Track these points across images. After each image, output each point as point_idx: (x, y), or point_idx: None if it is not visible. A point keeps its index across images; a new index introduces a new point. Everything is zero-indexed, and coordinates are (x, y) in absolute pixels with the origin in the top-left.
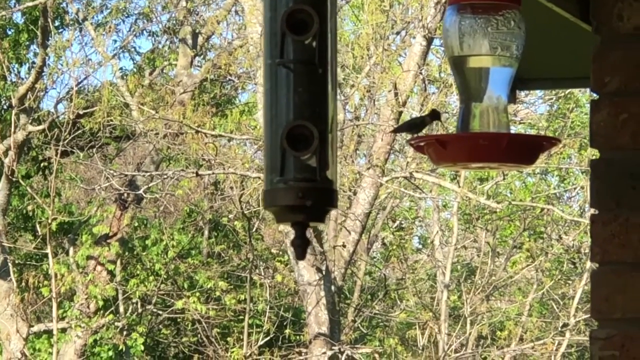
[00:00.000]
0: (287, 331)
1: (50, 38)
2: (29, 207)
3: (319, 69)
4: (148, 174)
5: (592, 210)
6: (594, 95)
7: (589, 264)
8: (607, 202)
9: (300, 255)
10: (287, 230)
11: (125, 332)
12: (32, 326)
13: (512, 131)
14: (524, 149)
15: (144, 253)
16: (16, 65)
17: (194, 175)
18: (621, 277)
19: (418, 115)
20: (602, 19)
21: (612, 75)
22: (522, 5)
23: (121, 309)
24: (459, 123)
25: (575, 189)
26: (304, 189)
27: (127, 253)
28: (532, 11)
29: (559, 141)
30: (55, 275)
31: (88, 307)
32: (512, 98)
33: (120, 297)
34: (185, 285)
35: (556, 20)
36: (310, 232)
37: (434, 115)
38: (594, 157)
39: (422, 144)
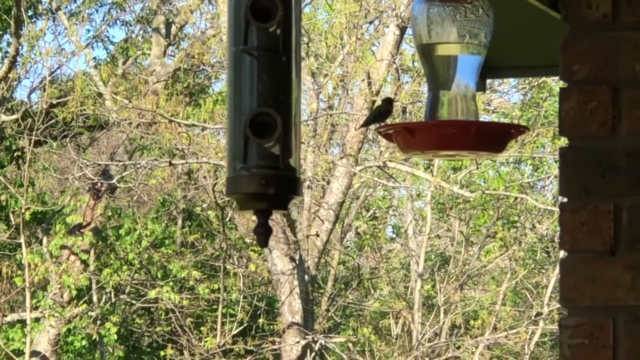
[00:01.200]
0: (261, 320)
1: (23, 27)
2: (2, 197)
3: (283, 56)
4: (121, 163)
5: (561, 199)
6: (563, 83)
7: (562, 253)
8: (576, 191)
9: (263, 243)
10: None
11: (98, 322)
12: (6, 316)
13: (483, 119)
14: (492, 137)
15: (118, 242)
16: None
17: (168, 164)
18: (590, 266)
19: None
20: (571, 7)
21: (581, 63)
22: None
23: (95, 299)
24: (427, 111)
25: (548, 178)
26: (267, 176)
27: (100, 242)
28: None
29: (528, 129)
30: (29, 264)
31: (62, 296)
32: (482, 86)
33: (93, 286)
34: (159, 275)
35: (526, 8)
36: (283, 221)
37: (388, 101)
38: (563, 146)
39: (390, 132)
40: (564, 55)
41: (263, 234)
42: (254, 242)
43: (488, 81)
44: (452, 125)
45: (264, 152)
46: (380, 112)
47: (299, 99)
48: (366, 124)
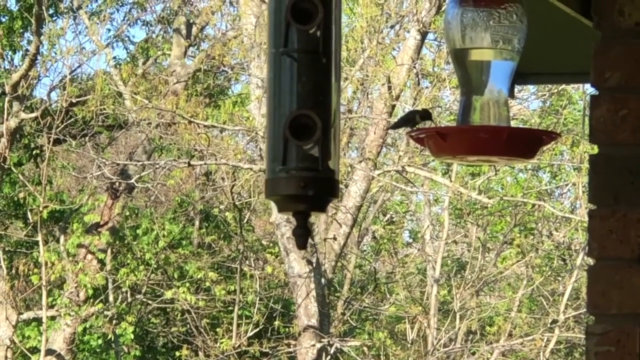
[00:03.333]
0: (277, 323)
1: (44, 26)
2: (21, 195)
3: (323, 58)
4: (140, 163)
5: (590, 206)
6: (594, 90)
7: (579, 261)
8: (605, 198)
9: (302, 244)
10: (278, 222)
11: (114, 321)
12: (22, 314)
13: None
14: (524, 143)
15: (135, 242)
16: (10, 53)
17: (186, 165)
18: (618, 273)
19: (411, 110)
20: (603, 15)
21: (612, 71)
22: None
23: (111, 298)
24: (460, 116)
25: (566, 185)
26: (306, 178)
27: (117, 242)
28: (534, 5)
29: (559, 135)
30: (46, 263)
31: (78, 295)
32: (512, 93)
33: (110, 286)
34: (175, 275)
35: (557, 15)
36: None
37: (426, 114)
38: (592, 153)
39: (422, 135)
40: (595, 63)
41: (302, 235)
42: (271, 244)
43: None
44: (484, 130)
45: (303, 154)
46: (411, 118)
47: (338, 101)
48: (396, 126)
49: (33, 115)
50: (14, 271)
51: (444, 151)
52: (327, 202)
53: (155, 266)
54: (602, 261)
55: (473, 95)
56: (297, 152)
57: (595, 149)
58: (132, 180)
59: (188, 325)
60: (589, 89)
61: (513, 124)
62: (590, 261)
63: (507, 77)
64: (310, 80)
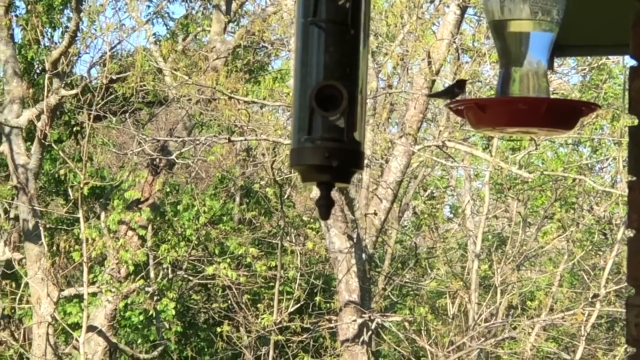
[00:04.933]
0: (318, 298)
1: (84, 2)
2: (61, 172)
3: (352, 29)
4: (180, 139)
5: (630, 177)
6: (634, 62)
7: (619, 235)
8: None
9: (325, 214)
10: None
11: (155, 298)
12: (63, 290)
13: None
14: (563, 114)
15: (175, 219)
16: (49, 30)
17: (226, 141)
18: None
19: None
20: None
21: None
22: None
23: (152, 274)
24: (499, 87)
25: (607, 159)
26: (330, 149)
27: (158, 218)
28: None
29: (599, 107)
30: (87, 239)
31: (119, 272)
32: (550, 64)
33: (151, 262)
34: (216, 252)
35: None
36: (341, 199)
37: (460, 84)
38: (633, 125)
39: (461, 107)
40: (635, 33)
41: (325, 205)
42: (312, 220)
43: None
44: (523, 101)
45: (329, 125)
46: (452, 92)
47: (365, 73)
48: (435, 95)
49: (73, 92)
50: (55, 248)
51: (484, 122)
52: (351, 173)
53: (196, 242)
54: None
55: (512, 67)
56: (322, 122)
57: (635, 121)
58: (173, 157)
59: (229, 302)
60: (630, 62)
61: (553, 97)
62: (631, 233)
63: (546, 48)
64: (338, 51)
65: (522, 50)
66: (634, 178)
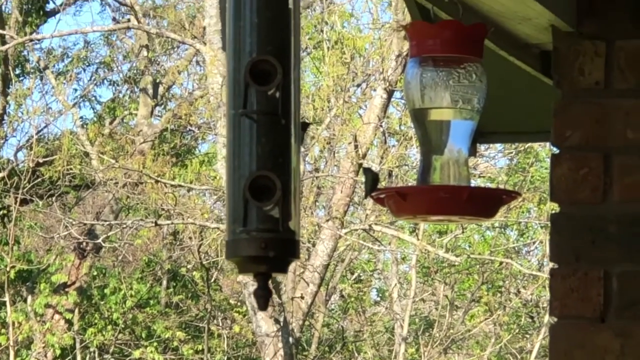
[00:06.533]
0: None
1: (10, 86)
2: None
3: (282, 119)
4: (107, 223)
5: (552, 264)
6: (555, 149)
7: (546, 318)
8: (566, 256)
9: (263, 305)
10: (246, 281)
11: None
12: None
13: (472, 184)
14: (484, 202)
15: (102, 302)
16: None
17: (153, 224)
18: (580, 332)
19: (368, 168)
20: (563, 74)
21: (573, 130)
22: (484, 58)
23: (78, 358)
24: (419, 175)
25: (534, 243)
26: (266, 239)
27: (85, 302)
28: (494, 64)
29: (519, 195)
30: (13, 323)
31: (45, 355)
32: (473, 151)
33: (77, 346)
34: (143, 335)
35: (517, 74)
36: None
37: (369, 170)
38: (554, 211)
39: (382, 196)
40: (556, 121)
41: (263, 296)
42: (239, 304)
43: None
44: (444, 190)
45: (264, 216)
46: (376, 177)
47: (298, 162)
48: (371, 191)
49: (0, 175)
50: None
51: (405, 211)
52: (288, 263)
53: (122, 326)
54: (564, 320)
55: (433, 155)
56: (257, 213)
57: (557, 208)
58: (100, 240)
59: None
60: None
61: (480, 182)
62: (553, 320)
63: (467, 136)
64: (270, 141)
65: (443, 139)
66: (556, 265)
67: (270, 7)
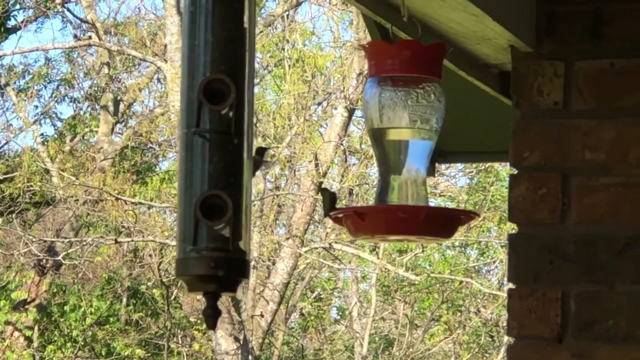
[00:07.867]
0: None
1: None
2: None
3: (235, 139)
4: (67, 240)
5: (510, 285)
6: (513, 169)
7: (506, 338)
8: (524, 277)
9: (212, 324)
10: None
11: None
12: None
13: (431, 204)
14: (442, 222)
15: (62, 319)
16: None
17: (113, 242)
18: (537, 352)
19: (326, 188)
20: (522, 94)
21: (531, 150)
22: (443, 78)
23: None
24: (377, 195)
25: (494, 262)
26: (216, 259)
27: (45, 319)
28: (453, 85)
29: (477, 215)
30: None
31: None
32: (432, 171)
33: None
34: (103, 352)
35: (477, 94)
36: (228, 300)
37: (326, 190)
38: (512, 232)
39: (340, 215)
40: (514, 142)
41: (212, 315)
42: (199, 322)
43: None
44: (402, 210)
45: (214, 235)
46: (331, 199)
47: (249, 182)
48: (331, 210)
49: None
50: None
51: (362, 231)
52: (237, 282)
53: (82, 343)
54: (522, 340)
55: (391, 175)
56: (207, 232)
57: (515, 228)
58: (60, 257)
59: None
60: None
61: (441, 200)
62: (511, 340)
63: (425, 156)
64: (222, 160)
65: (401, 159)
66: (514, 286)
67: (225, 26)
